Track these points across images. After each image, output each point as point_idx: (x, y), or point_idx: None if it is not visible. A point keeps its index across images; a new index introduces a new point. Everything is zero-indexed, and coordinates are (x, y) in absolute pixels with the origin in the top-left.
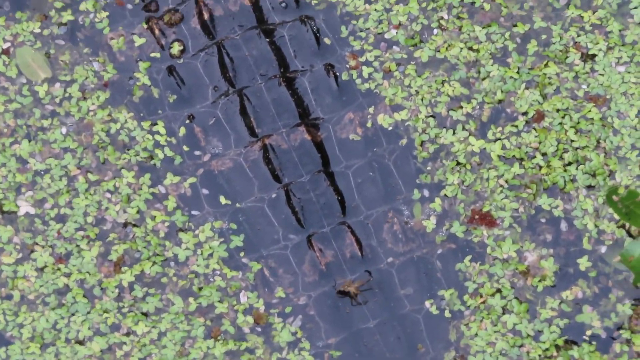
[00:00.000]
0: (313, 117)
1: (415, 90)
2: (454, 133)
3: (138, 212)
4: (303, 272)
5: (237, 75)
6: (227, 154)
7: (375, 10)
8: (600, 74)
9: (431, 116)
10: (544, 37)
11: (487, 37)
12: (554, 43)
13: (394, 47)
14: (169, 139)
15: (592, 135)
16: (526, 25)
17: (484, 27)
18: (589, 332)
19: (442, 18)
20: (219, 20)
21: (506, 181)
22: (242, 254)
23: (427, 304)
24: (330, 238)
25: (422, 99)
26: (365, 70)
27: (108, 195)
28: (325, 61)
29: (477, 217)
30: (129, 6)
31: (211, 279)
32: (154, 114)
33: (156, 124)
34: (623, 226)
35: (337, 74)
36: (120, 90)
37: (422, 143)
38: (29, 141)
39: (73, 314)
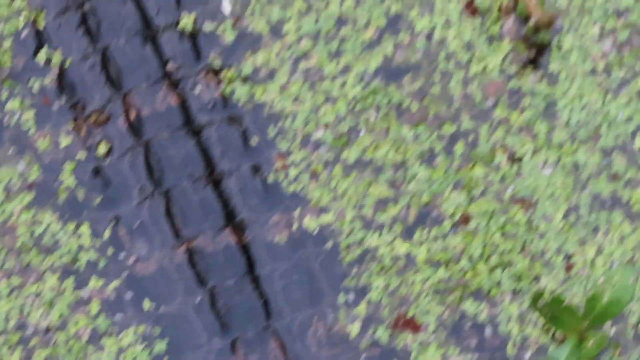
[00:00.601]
0: (239, 219)
1: (342, 192)
2: (379, 236)
3: (60, 316)
4: None
5: (163, 176)
6: (152, 257)
7: (302, 110)
8: (527, 177)
9: (357, 218)
10: (471, 138)
11: (415, 138)
12: (481, 144)
13: (321, 148)
14: (93, 241)
15: (518, 238)
16: (453, 125)
17: (411, 128)
18: None
19: (369, 119)
20: (146, 120)
21: (433, 285)
22: (166, 358)
23: None
24: (255, 342)
25: (348, 201)
26: (292, 172)
27: (30, 299)
28: (252, 162)
29: (402, 321)
30: (56, 106)
31: None
32: (79, 215)
33: (81, 226)
34: (548, 331)
35: (264, 175)
36: (46, 192)
37: (348, 246)
38: None
39: None
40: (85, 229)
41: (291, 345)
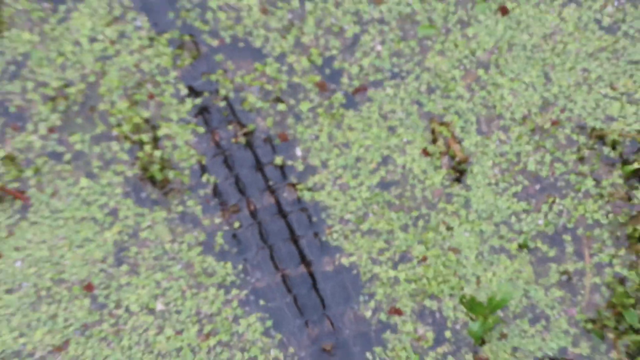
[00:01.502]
0: (308, 260)
1: (360, 246)
2: (380, 267)
3: (218, 307)
4: (301, 345)
5: (268, 238)
6: (264, 279)
7: (339, 205)
8: (456, 237)
9: (369, 259)
10: (427, 218)
11: (397, 218)
12: (432, 221)
13: (349, 223)
14: (233, 271)
15: (452, 268)
16: (418, 212)
17: (396, 213)
18: None
19: (374, 208)
20: (259, 210)
21: (409, 292)
22: (271, 329)
23: None
24: (317, 322)
25: (364, 250)
26: (334, 235)
27: (202, 300)
28: (313, 231)
29: (393, 310)
30: (212, 204)
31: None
32: (225, 258)
33: (226, 263)
34: (469, 315)
35: (320, 237)
36: (208, 246)
37: (364, 273)
38: (161, 272)
39: None
40: (229, 265)
41: (336, 323)
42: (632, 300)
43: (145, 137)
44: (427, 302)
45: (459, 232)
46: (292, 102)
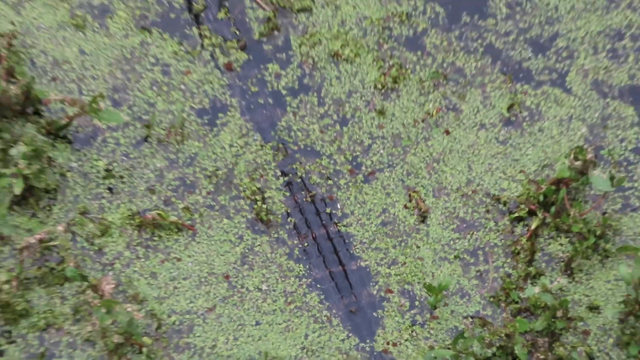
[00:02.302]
0: (343, 263)
1: (371, 255)
2: (381, 267)
3: (295, 288)
4: (339, 308)
5: (320, 248)
6: (319, 273)
7: (359, 234)
8: (422, 252)
9: (375, 263)
10: (406, 241)
11: (390, 241)
12: (409, 243)
13: (365, 244)
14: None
15: (420, 269)
16: (401, 238)
17: (389, 238)
18: None
19: (378, 236)
20: (317, 237)
21: (396, 281)
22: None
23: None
24: (345, 291)
25: (372, 258)
26: (357, 250)
27: (287, 284)
28: (346, 247)
29: (387, 290)
30: (292, 233)
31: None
32: (281, 244)
33: (300, 264)
34: (428, 293)
35: (350, 251)
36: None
37: (373, 270)
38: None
39: None
40: (301, 265)
41: (358, 297)
42: (514, 286)
43: (258, 197)
44: (406, 286)
45: (423, 249)
46: (335, 179)
